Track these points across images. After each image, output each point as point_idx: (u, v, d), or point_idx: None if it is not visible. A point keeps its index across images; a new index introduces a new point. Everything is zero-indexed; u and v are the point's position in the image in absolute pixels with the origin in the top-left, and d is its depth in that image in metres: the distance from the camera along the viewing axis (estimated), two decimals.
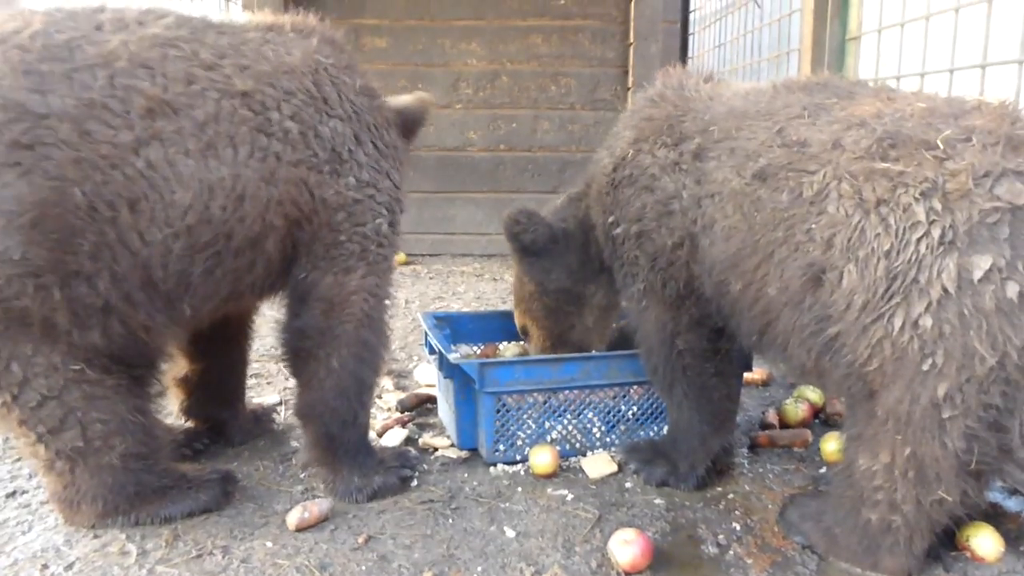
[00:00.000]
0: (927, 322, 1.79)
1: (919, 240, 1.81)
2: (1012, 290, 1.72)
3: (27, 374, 2.05)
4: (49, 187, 1.93)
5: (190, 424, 2.96)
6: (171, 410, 2.98)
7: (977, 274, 1.74)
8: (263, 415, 3.12)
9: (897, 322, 1.84)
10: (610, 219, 2.67)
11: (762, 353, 2.48)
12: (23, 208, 1.90)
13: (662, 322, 2.57)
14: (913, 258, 1.81)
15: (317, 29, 2.49)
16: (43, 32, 1.99)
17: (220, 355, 2.88)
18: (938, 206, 1.79)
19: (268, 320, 4.28)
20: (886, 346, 1.87)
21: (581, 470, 2.78)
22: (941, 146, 1.84)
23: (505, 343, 3.58)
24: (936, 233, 1.79)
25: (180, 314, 2.24)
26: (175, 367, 2.83)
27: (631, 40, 6.58)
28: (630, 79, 6.64)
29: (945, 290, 1.77)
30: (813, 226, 2.00)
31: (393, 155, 2.54)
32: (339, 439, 2.53)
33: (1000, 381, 1.77)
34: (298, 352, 2.50)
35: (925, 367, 1.81)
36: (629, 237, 2.59)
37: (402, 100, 2.72)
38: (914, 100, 2.04)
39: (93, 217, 1.99)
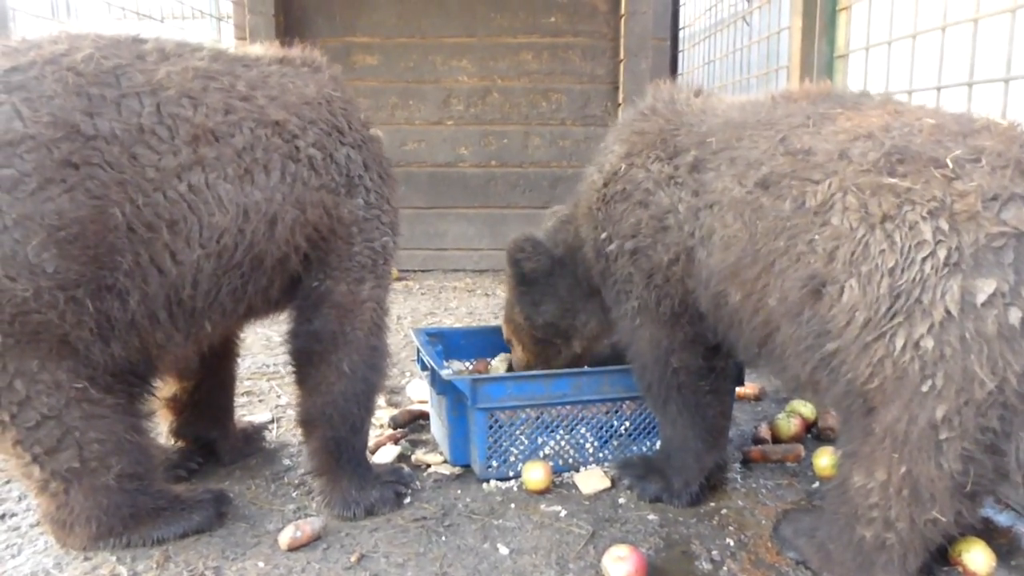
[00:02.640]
0: (928, 343, 1.77)
1: (924, 260, 1.78)
2: (1015, 316, 1.70)
3: (30, 392, 2.06)
4: (91, 205, 1.99)
5: (180, 444, 2.94)
6: (161, 430, 2.96)
7: (980, 298, 1.72)
8: (253, 433, 3.11)
9: (899, 342, 1.81)
10: (602, 236, 2.65)
11: (760, 365, 2.47)
12: (63, 223, 1.96)
13: (656, 340, 2.56)
14: (917, 278, 1.79)
15: (324, 65, 2.62)
16: (93, 57, 2.07)
17: (208, 373, 2.88)
18: (945, 226, 1.77)
19: (260, 338, 4.29)
20: (887, 365, 1.85)
21: (574, 486, 2.78)
22: (950, 165, 1.82)
23: (496, 358, 3.57)
24: (942, 254, 1.76)
25: (200, 331, 2.31)
26: (165, 387, 2.82)
27: (621, 57, 6.63)
28: (620, 95, 6.69)
29: (948, 312, 1.75)
30: (816, 237, 1.98)
31: (390, 182, 2.67)
32: (345, 444, 2.55)
33: (998, 405, 1.75)
34: (309, 356, 2.53)
35: (924, 388, 1.79)
36: (623, 254, 2.57)
37: None
38: (922, 114, 2.02)
39: (131, 237, 2.06)
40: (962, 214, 1.76)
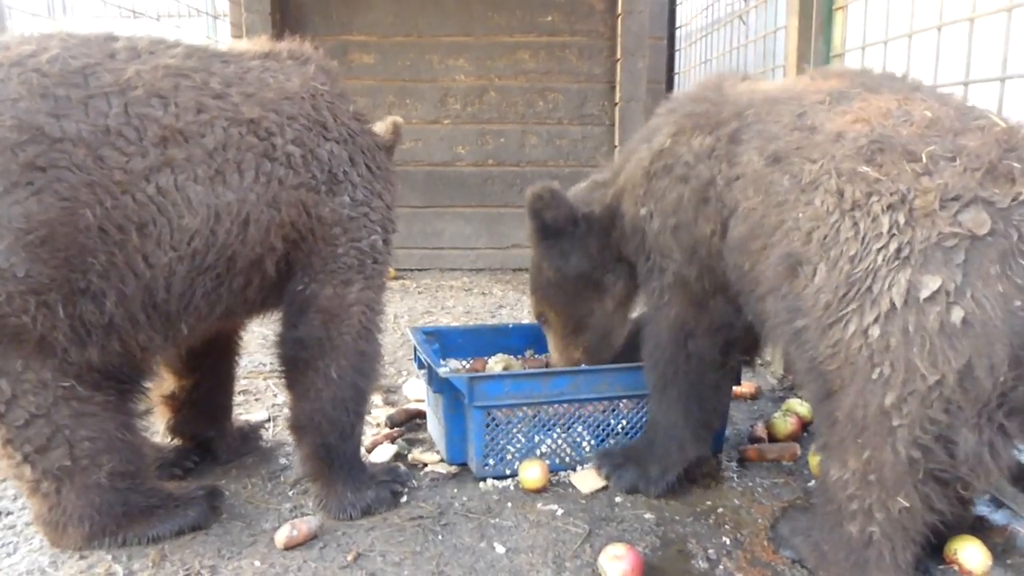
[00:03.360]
0: (875, 332, 1.83)
1: (879, 251, 1.83)
2: (956, 315, 1.73)
3: (16, 391, 2.05)
4: (59, 207, 1.96)
5: (177, 442, 2.94)
6: (157, 428, 2.95)
7: (924, 293, 1.75)
8: (250, 432, 3.10)
9: (851, 328, 1.87)
10: (643, 211, 2.63)
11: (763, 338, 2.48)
12: (31, 226, 1.94)
13: (681, 320, 2.56)
14: (871, 267, 1.84)
15: (313, 57, 2.56)
16: (60, 57, 2.03)
17: (207, 372, 2.87)
18: (901, 220, 1.81)
19: (257, 337, 4.28)
20: (841, 349, 1.91)
21: (571, 484, 2.78)
22: (924, 160, 1.85)
23: (493, 357, 3.57)
24: (893, 247, 1.81)
25: (178, 332, 2.29)
26: (162, 384, 2.82)
27: (618, 56, 6.63)
28: (617, 94, 6.69)
29: (892, 304, 1.79)
30: (800, 215, 2.03)
31: (384, 177, 2.62)
32: (336, 450, 2.54)
33: (942, 399, 1.78)
34: (296, 363, 2.51)
35: (874, 376, 1.84)
36: (665, 230, 2.54)
37: (377, 127, 2.76)
38: (929, 105, 2.04)
39: (103, 239, 2.03)
40: (919, 210, 1.80)
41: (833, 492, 2.04)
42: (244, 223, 2.25)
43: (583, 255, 2.99)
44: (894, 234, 1.82)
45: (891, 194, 1.85)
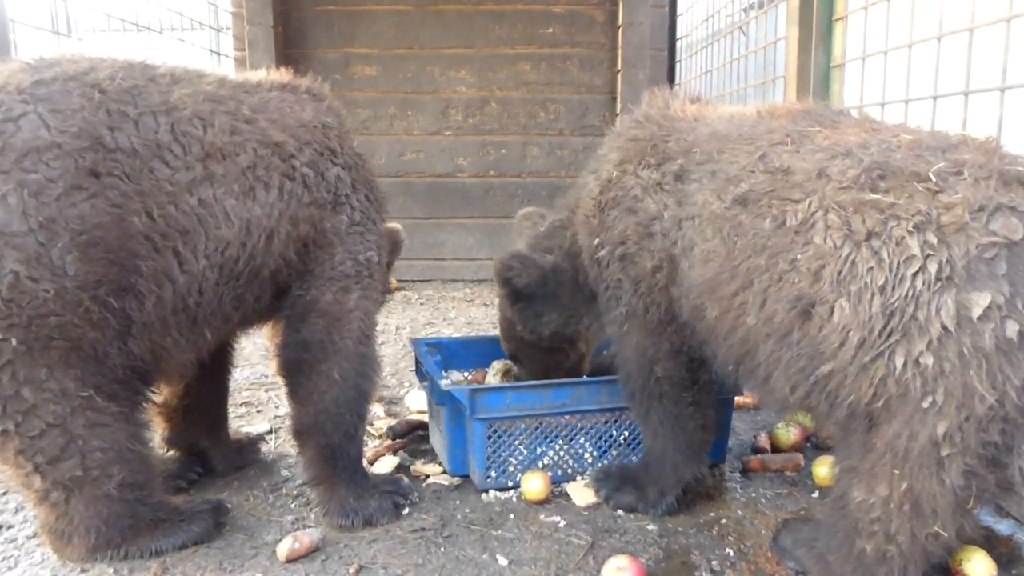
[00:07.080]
0: (928, 360, 1.74)
1: (915, 275, 1.75)
2: (1012, 329, 1.68)
3: (36, 400, 2.08)
4: (111, 213, 2.10)
5: (175, 454, 2.94)
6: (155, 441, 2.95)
7: (976, 312, 1.69)
8: (248, 445, 3.10)
9: (899, 360, 1.78)
10: (595, 241, 2.66)
11: (740, 382, 2.42)
12: (84, 228, 2.05)
13: (642, 348, 2.56)
14: (910, 294, 1.75)
15: (327, 97, 2.77)
16: (113, 76, 2.20)
17: (201, 383, 2.88)
18: (933, 240, 1.74)
19: (259, 349, 4.28)
20: (890, 384, 1.81)
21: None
22: (933, 179, 1.80)
23: (493, 364, 3.55)
24: (933, 268, 1.73)
25: (201, 338, 2.40)
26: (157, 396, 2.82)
27: (619, 67, 6.66)
28: (618, 105, 6.72)
29: (945, 328, 1.71)
30: (799, 256, 1.95)
31: (377, 209, 2.76)
32: (340, 451, 2.57)
33: (999, 419, 1.72)
34: (300, 366, 2.56)
35: (925, 404, 1.76)
36: (613, 260, 2.58)
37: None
38: (899, 131, 2.02)
39: (147, 245, 2.16)
40: (950, 226, 1.74)
41: (851, 511, 1.99)
42: (269, 236, 2.40)
43: (555, 311, 3.03)
44: (929, 255, 1.74)
45: (913, 215, 1.78)
